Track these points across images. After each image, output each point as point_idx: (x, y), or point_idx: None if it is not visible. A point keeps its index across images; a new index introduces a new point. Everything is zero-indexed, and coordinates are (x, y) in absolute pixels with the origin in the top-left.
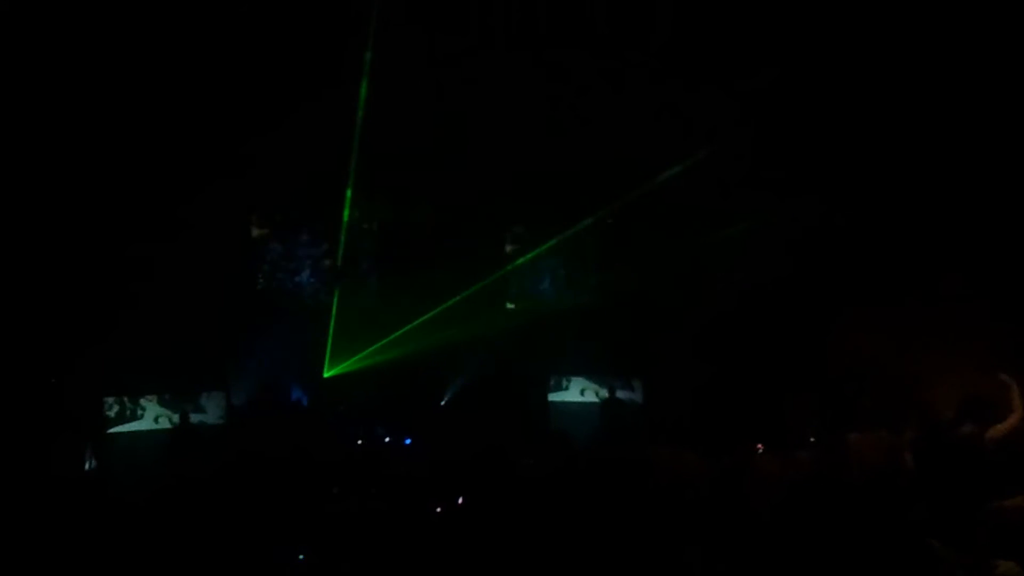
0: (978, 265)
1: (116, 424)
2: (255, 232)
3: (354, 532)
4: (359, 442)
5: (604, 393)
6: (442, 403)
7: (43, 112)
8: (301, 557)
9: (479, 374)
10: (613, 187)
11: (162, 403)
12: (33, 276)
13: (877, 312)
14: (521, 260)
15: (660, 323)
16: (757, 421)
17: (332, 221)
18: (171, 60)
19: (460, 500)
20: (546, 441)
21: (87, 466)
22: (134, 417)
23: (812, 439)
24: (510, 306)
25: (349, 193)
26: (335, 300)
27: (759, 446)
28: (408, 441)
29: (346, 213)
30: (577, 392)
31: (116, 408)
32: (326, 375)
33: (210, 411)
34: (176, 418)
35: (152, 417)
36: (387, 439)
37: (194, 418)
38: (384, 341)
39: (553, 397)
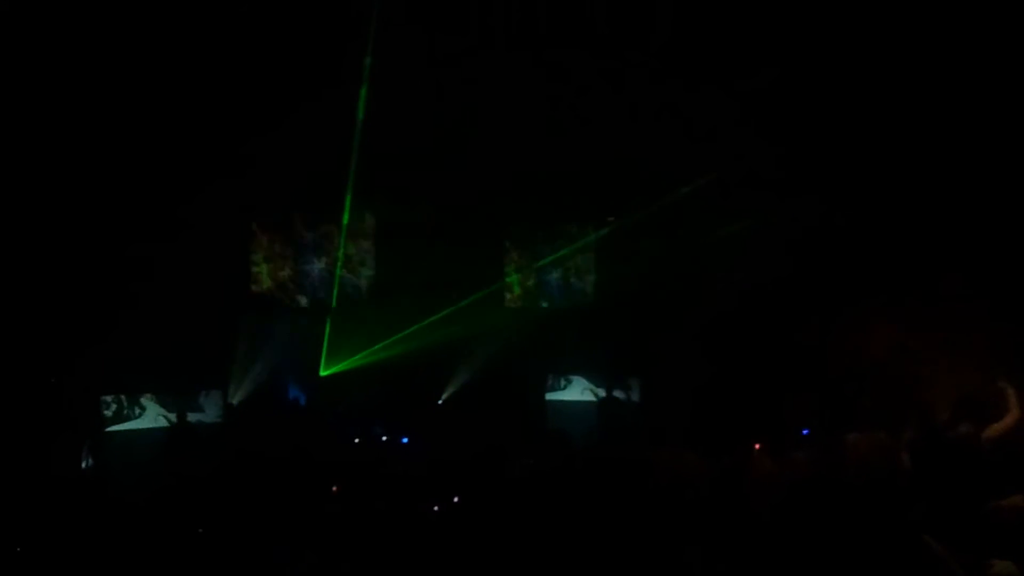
0: (978, 265)
1: (114, 423)
2: (254, 231)
3: (353, 532)
4: (356, 441)
5: (604, 393)
6: (440, 402)
7: (42, 112)
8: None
9: (478, 373)
10: (613, 187)
11: (160, 402)
12: (32, 276)
13: (877, 312)
14: (520, 260)
15: (660, 323)
16: (757, 421)
17: (331, 220)
18: (170, 60)
19: (456, 499)
20: (545, 440)
21: (84, 465)
22: (132, 416)
23: (812, 439)
24: (508, 305)
25: (348, 193)
26: (333, 299)
27: (757, 446)
28: (405, 440)
29: (345, 213)
30: (577, 392)
31: (114, 407)
32: (323, 374)
33: (208, 410)
34: (174, 417)
35: (150, 416)
36: (384, 438)
37: (192, 417)
38: (382, 340)
39: (553, 397)
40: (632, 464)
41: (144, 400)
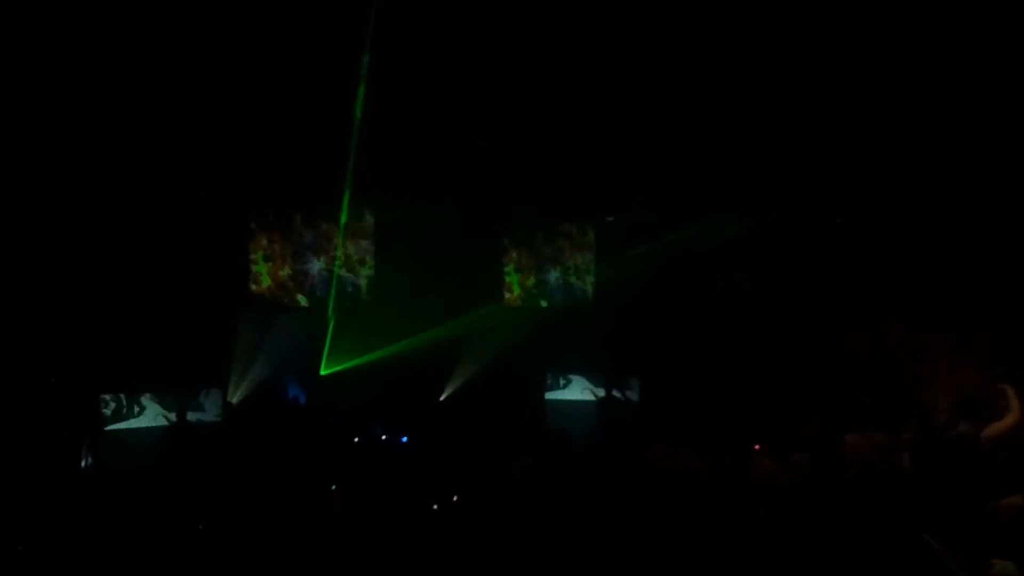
0: (978, 265)
1: (114, 422)
2: (253, 231)
3: (353, 531)
4: (356, 440)
5: (603, 392)
6: (439, 401)
7: (42, 112)
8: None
9: (477, 372)
10: (613, 187)
11: (160, 401)
12: (32, 275)
13: (877, 312)
14: (520, 259)
15: (660, 323)
16: (757, 421)
17: (331, 220)
18: (169, 59)
19: (456, 498)
20: (545, 440)
21: (84, 464)
22: (132, 415)
23: (811, 439)
24: (508, 304)
25: (348, 192)
26: (332, 299)
27: (756, 447)
28: (405, 439)
29: (344, 212)
30: (577, 391)
31: (113, 406)
32: (322, 373)
33: (208, 409)
34: (174, 416)
35: (150, 415)
36: (384, 437)
37: (191, 416)
38: (381, 339)
39: (552, 396)
40: (631, 464)
41: (144, 399)
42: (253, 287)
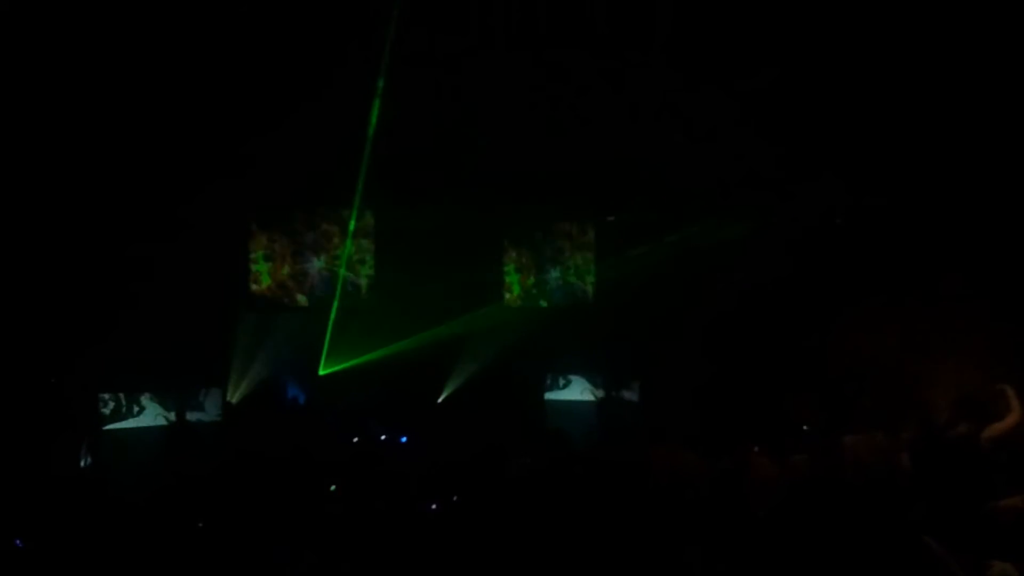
0: (978, 265)
1: (113, 421)
2: (253, 230)
3: (353, 532)
4: (355, 440)
5: (603, 393)
6: (439, 401)
7: (42, 113)
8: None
9: (477, 372)
10: (612, 187)
11: (159, 401)
12: (31, 275)
13: (877, 312)
14: (520, 259)
15: (659, 323)
16: (757, 421)
17: (331, 219)
18: (168, 59)
19: (455, 498)
20: (544, 440)
21: (83, 463)
22: (131, 414)
23: (811, 439)
24: (507, 304)
25: (348, 192)
26: (336, 299)
27: (755, 448)
28: (404, 440)
29: (346, 211)
30: (576, 391)
31: (112, 405)
32: (321, 373)
33: (207, 409)
34: (173, 416)
35: (149, 415)
36: (383, 437)
37: (191, 416)
38: (381, 339)
39: (552, 396)
40: (631, 464)
41: (143, 399)
42: (253, 287)
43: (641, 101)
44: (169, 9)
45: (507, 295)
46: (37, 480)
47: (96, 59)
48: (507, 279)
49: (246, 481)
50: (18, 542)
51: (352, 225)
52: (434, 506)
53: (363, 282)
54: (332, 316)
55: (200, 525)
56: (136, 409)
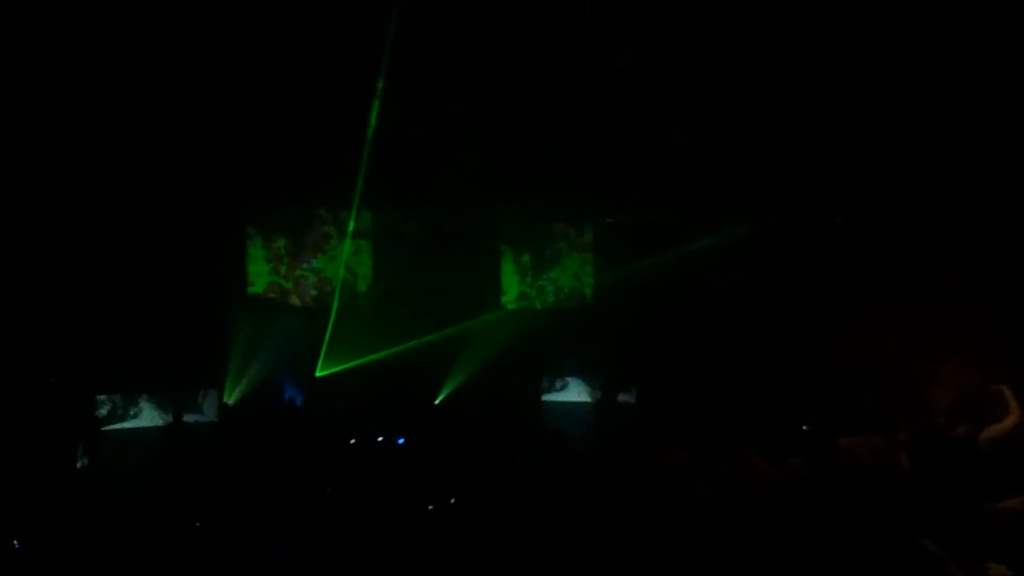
0: (978, 265)
1: (110, 423)
2: (250, 232)
3: (353, 532)
4: (352, 442)
5: (601, 394)
6: (436, 403)
7: (41, 116)
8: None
9: (474, 374)
10: (611, 187)
11: (157, 402)
12: (29, 276)
13: (877, 312)
14: (517, 260)
15: (657, 324)
16: (755, 422)
17: (328, 221)
18: (166, 58)
19: (455, 499)
20: (541, 440)
21: (80, 465)
22: (128, 416)
23: (810, 440)
24: (504, 306)
25: (345, 193)
26: (335, 300)
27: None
28: (401, 441)
29: (343, 214)
30: (574, 393)
31: (110, 407)
32: (318, 374)
33: (204, 410)
34: (170, 417)
35: (147, 416)
36: (381, 439)
37: (188, 417)
38: (378, 341)
39: (549, 398)
40: (628, 465)
41: (140, 400)
42: (250, 288)
43: (640, 101)
44: (168, 13)
45: (504, 297)
46: (35, 480)
47: (95, 59)
48: (504, 280)
49: (245, 481)
50: (16, 543)
51: (351, 226)
52: (431, 507)
53: (360, 283)
54: (332, 317)
55: (198, 525)
56: (133, 410)
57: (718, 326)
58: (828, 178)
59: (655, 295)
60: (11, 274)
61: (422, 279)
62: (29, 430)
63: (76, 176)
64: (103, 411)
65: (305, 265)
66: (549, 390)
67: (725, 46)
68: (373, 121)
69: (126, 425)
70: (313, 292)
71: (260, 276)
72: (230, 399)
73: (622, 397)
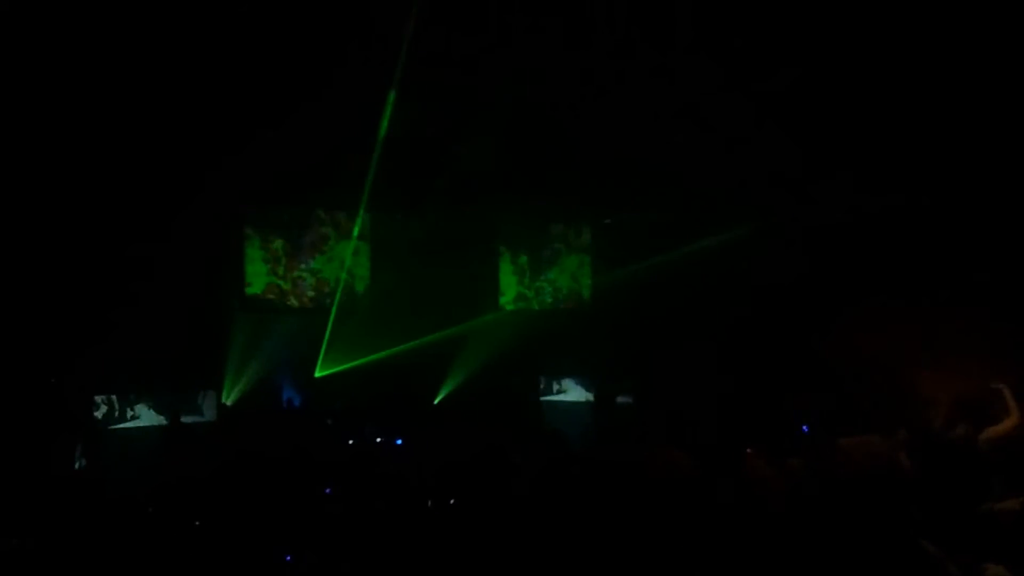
0: (979, 265)
1: (109, 423)
2: (249, 233)
3: (353, 532)
4: (351, 443)
5: (600, 395)
6: (435, 403)
7: (41, 117)
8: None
9: (473, 374)
10: (609, 188)
11: (155, 402)
12: (27, 276)
13: (877, 312)
14: (515, 261)
15: (656, 324)
16: (755, 422)
17: (327, 221)
18: (166, 57)
19: (455, 499)
20: (541, 441)
21: (78, 465)
22: (127, 416)
23: (809, 440)
24: (503, 307)
25: (345, 193)
26: (336, 300)
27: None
28: (399, 442)
29: (341, 214)
30: (573, 394)
31: (108, 407)
32: (317, 375)
33: (203, 411)
34: (169, 417)
35: (145, 416)
36: (379, 440)
37: (187, 417)
38: (376, 341)
39: (549, 399)
40: (627, 465)
41: (139, 400)
42: (248, 289)
43: (642, 101)
44: (168, 13)
45: (503, 298)
46: (35, 480)
47: (94, 58)
48: (503, 281)
49: (245, 481)
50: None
51: (356, 231)
52: (431, 506)
53: (359, 284)
54: (331, 317)
55: (197, 524)
56: (131, 412)
57: (717, 326)
58: (828, 180)
59: (653, 296)
60: (11, 274)
61: (420, 280)
62: (29, 430)
63: (75, 176)
64: (102, 411)
65: (303, 266)
66: (548, 390)
67: (725, 44)
68: (371, 121)
69: (125, 425)
70: (311, 293)
71: (258, 277)
72: (228, 400)
73: (622, 397)
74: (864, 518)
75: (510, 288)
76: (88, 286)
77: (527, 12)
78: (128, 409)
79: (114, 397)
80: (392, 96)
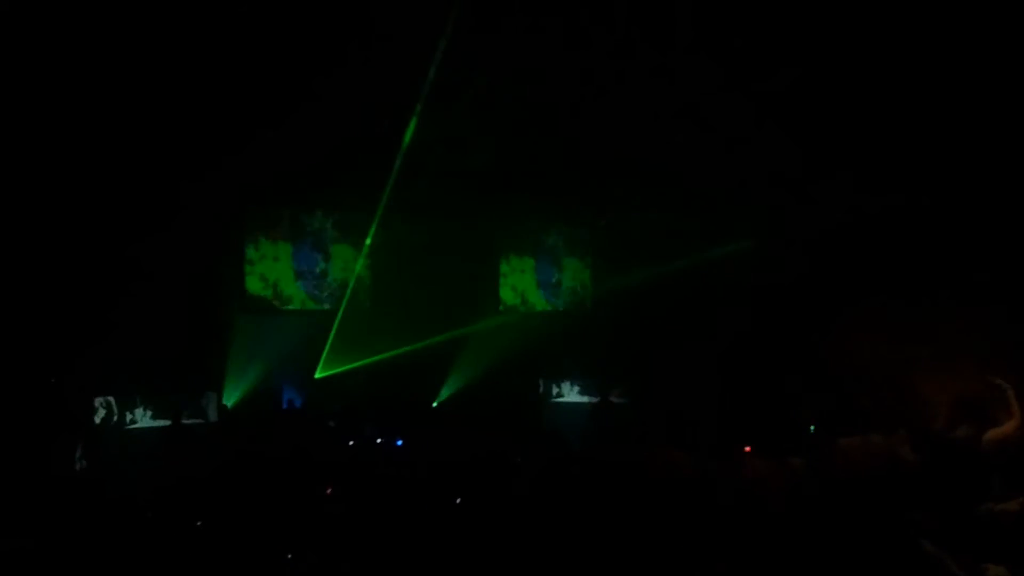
0: (979, 266)
1: (108, 424)
2: (249, 233)
3: (353, 532)
4: (351, 444)
5: (600, 395)
6: (435, 405)
7: (40, 113)
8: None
9: (473, 376)
10: (609, 189)
11: (155, 403)
12: (27, 277)
13: (878, 312)
14: (516, 262)
15: (656, 325)
16: (755, 422)
17: (327, 222)
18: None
19: (456, 500)
20: (542, 441)
21: (79, 466)
22: (126, 417)
23: (809, 440)
24: (504, 308)
25: (345, 194)
26: (344, 302)
27: (748, 449)
28: (399, 443)
29: (343, 216)
30: (574, 394)
31: (108, 408)
32: (317, 376)
33: (203, 411)
34: (169, 418)
35: (145, 417)
36: (379, 441)
37: (187, 418)
38: (377, 343)
39: (550, 399)
40: (627, 465)
41: (139, 401)
42: (250, 290)
43: (643, 102)
44: (168, 13)
45: (504, 299)
46: (35, 480)
47: (94, 58)
48: (503, 283)
49: (246, 481)
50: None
51: (357, 232)
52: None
53: (360, 286)
54: (337, 319)
55: (198, 525)
56: (132, 411)
57: (716, 327)
58: (829, 180)
59: (653, 298)
60: (11, 274)
61: (420, 281)
62: (29, 430)
63: (76, 177)
64: (102, 412)
65: (304, 267)
66: (548, 392)
67: (724, 45)
68: (371, 122)
69: (126, 426)
70: (312, 294)
71: (259, 278)
72: (229, 401)
73: (622, 398)
74: (864, 518)
75: (511, 289)
76: (88, 286)
77: (527, 12)
78: (129, 409)
79: (115, 398)
80: (385, 99)
